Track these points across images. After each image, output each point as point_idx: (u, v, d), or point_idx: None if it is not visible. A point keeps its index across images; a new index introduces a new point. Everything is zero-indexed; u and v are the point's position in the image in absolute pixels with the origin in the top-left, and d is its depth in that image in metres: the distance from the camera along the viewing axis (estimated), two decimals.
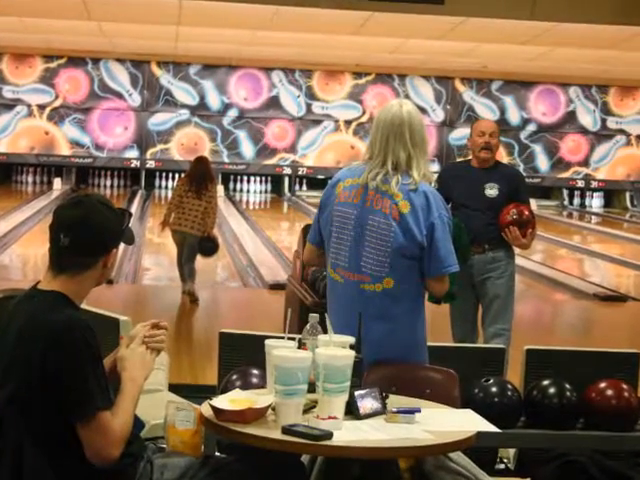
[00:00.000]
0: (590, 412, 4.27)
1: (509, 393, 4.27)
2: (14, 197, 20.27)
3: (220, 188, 19.67)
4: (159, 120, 22.48)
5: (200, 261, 9.88)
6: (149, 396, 4.12)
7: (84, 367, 2.77)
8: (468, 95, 23.45)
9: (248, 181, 23.22)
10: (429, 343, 3.91)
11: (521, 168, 21.74)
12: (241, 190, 23.08)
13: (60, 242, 2.88)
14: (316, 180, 22.66)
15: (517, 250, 6.04)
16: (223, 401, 3.01)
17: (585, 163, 23.69)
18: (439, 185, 5.51)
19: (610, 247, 16.32)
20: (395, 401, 3.23)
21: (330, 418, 2.92)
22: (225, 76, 22.55)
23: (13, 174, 22.48)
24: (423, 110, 22.21)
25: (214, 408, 2.97)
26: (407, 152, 3.78)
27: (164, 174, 22.66)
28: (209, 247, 9.66)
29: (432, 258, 3.73)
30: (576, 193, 23.99)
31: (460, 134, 22.80)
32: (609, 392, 4.28)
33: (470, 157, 6.09)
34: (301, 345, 3.21)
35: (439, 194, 3.83)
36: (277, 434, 2.87)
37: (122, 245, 3.04)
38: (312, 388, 3.01)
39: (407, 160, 3.78)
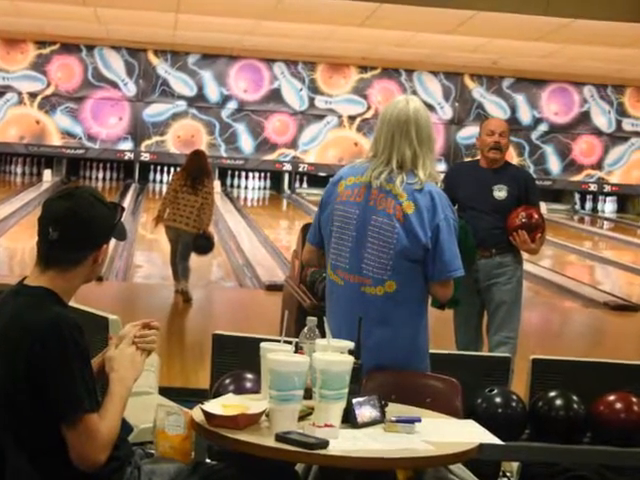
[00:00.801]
0: (598, 426, 4.27)
1: (513, 404, 4.27)
2: (2, 188, 20.28)
3: (217, 184, 19.66)
4: (155, 111, 22.49)
5: (194, 259, 9.89)
6: (138, 399, 4.13)
7: (71, 367, 2.77)
8: (478, 92, 23.45)
9: (246, 177, 23.22)
10: (431, 350, 3.91)
11: (531, 170, 21.75)
12: (239, 186, 23.10)
13: (49, 236, 2.88)
14: (317, 177, 22.66)
15: (525, 255, 6.04)
16: (215, 406, 3.01)
17: (598, 166, 23.70)
18: (445, 185, 5.51)
19: (622, 254, 16.33)
20: (394, 410, 3.23)
21: (326, 426, 2.92)
22: (225, 67, 22.55)
23: (1, 164, 22.49)
24: (430, 107, 22.21)
25: (206, 413, 2.98)
26: (413, 150, 3.78)
27: (159, 167, 22.67)
28: (204, 245, 9.67)
29: (437, 261, 3.73)
30: (588, 197, 24.00)
31: (469, 133, 22.81)
32: (618, 405, 4.28)
33: (478, 157, 6.09)
34: (298, 349, 3.21)
35: (445, 195, 3.84)
36: (271, 441, 2.87)
37: (113, 241, 3.05)
38: (308, 394, 3.01)
39: (413, 159, 3.78)
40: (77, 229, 2.89)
